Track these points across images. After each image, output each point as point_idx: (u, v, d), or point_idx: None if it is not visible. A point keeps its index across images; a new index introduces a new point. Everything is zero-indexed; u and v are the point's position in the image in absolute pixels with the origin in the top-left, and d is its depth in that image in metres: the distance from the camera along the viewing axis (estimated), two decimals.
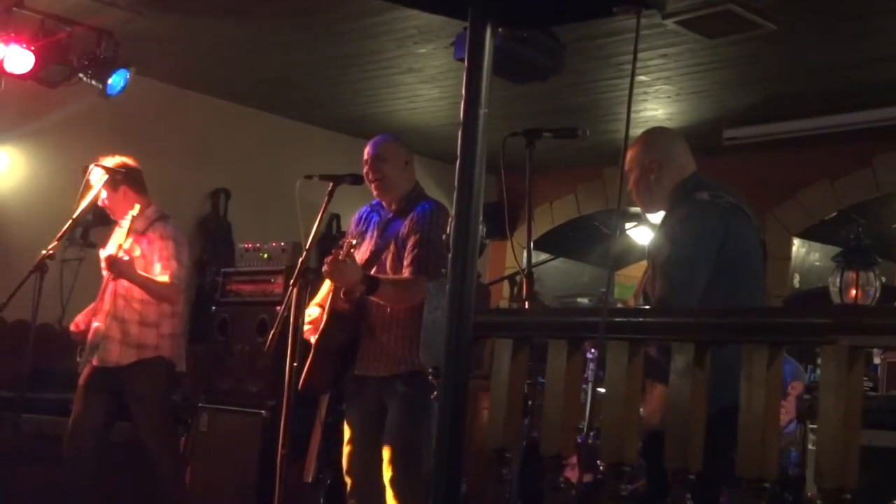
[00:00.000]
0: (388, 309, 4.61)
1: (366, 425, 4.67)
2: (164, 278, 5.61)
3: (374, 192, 4.82)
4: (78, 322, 5.84)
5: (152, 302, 5.66)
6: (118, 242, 5.52)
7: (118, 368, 5.61)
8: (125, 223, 5.53)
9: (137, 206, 5.57)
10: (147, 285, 5.60)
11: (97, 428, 5.65)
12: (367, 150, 4.81)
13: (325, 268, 4.47)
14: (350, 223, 5.02)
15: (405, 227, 4.65)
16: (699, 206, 3.78)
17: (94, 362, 5.65)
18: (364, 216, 4.93)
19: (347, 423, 4.78)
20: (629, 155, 4.04)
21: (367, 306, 4.64)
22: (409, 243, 4.59)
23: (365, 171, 4.79)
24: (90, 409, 5.64)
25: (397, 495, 4.47)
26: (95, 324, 5.66)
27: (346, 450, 4.74)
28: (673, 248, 3.68)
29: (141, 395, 5.65)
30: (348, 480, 4.72)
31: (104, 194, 5.76)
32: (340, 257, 4.40)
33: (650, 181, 3.96)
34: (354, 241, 4.59)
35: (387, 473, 4.49)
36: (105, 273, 5.65)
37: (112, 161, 5.79)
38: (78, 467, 5.59)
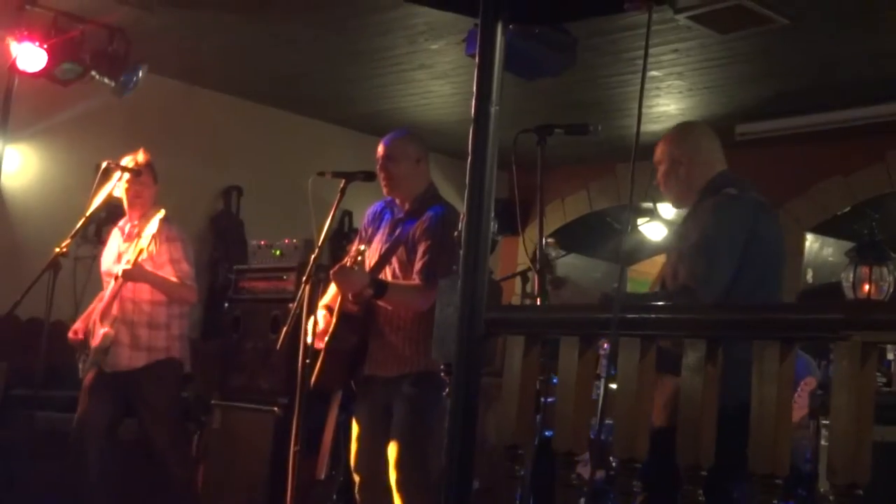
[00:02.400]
0: (397, 310, 4.62)
1: (373, 424, 4.68)
2: (177, 279, 5.64)
3: (384, 191, 4.81)
4: (76, 329, 5.82)
5: (162, 303, 5.67)
6: (133, 250, 5.50)
7: (128, 372, 5.61)
8: (147, 231, 5.49)
9: (163, 211, 5.57)
10: (162, 284, 5.63)
11: (103, 428, 5.64)
12: (379, 147, 4.81)
13: (332, 275, 4.51)
14: (364, 218, 5.03)
15: (416, 230, 4.64)
16: (728, 199, 3.78)
17: (104, 368, 5.63)
18: (377, 212, 4.92)
19: (356, 421, 4.80)
20: (660, 147, 4.04)
21: (375, 307, 4.64)
22: (420, 249, 4.58)
23: (377, 168, 4.79)
24: (95, 409, 5.63)
25: (403, 496, 4.47)
26: (102, 330, 5.62)
27: (353, 447, 4.75)
28: (699, 236, 3.67)
29: (151, 399, 5.65)
30: (356, 477, 4.74)
31: (143, 177, 5.74)
32: (348, 265, 4.43)
33: (679, 175, 3.95)
34: (363, 247, 4.58)
35: (392, 474, 4.49)
36: (109, 279, 5.66)
37: (135, 157, 5.77)
38: (84, 467, 5.59)
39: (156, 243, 5.55)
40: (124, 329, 5.62)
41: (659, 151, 4.04)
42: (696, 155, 3.96)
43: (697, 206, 3.85)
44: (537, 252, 4.29)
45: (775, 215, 3.95)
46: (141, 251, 5.46)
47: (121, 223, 5.89)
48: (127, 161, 5.77)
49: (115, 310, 5.64)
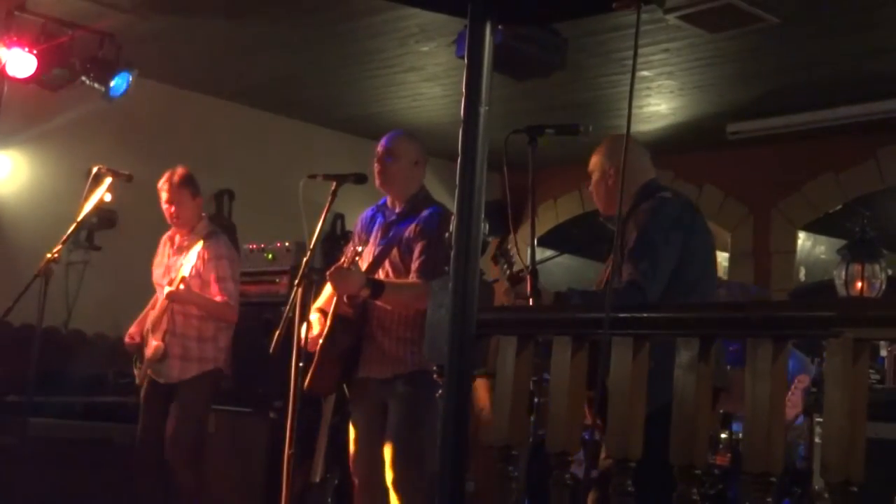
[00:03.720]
0: (389, 312, 4.61)
1: (369, 426, 4.68)
2: (221, 298, 5.71)
3: (377, 183, 4.80)
4: (132, 334, 5.92)
5: (210, 317, 5.75)
6: (181, 273, 5.55)
7: (179, 383, 5.72)
8: (193, 248, 5.56)
9: (202, 243, 5.61)
10: (206, 307, 5.73)
11: (161, 442, 5.73)
12: (380, 143, 4.81)
13: (328, 276, 4.51)
14: (356, 224, 5.02)
15: (410, 231, 4.63)
16: (664, 201, 3.98)
17: (155, 378, 5.75)
18: (369, 217, 4.92)
19: (352, 424, 4.79)
20: (593, 158, 4.27)
21: (368, 309, 4.64)
22: (417, 248, 4.58)
23: (374, 162, 4.78)
24: (155, 422, 5.73)
25: (400, 496, 4.46)
26: (154, 342, 5.72)
27: (351, 450, 4.75)
28: (641, 234, 3.82)
29: (189, 405, 5.71)
30: (355, 480, 4.73)
31: (179, 196, 5.78)
32: (344, 266, 4.42)
33: (608, 185, 4.15)
34: (360, 249, 4.58)
35: (389, 474, 4.49)
36: (160, 288, 5.77)
37: (170, 177, 5.80)
38: (147, 476, 5.71)
39: (203, 261, 5.64)
40: (176, 341, 5.72)
41: (592, 162, 4.26)
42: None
43: (635, 209, 3.99)
44: (529, 253, 4.30)
45: (703, 216, 4.15)
46: (183, 279, 5.54)
47: (170, 233, 5.91)
48: (163, 180, 5.79)
49: (165, 323, 5.73)
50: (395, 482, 4.49)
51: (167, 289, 5.62)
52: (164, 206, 5.83)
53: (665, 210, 3.91)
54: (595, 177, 4.21)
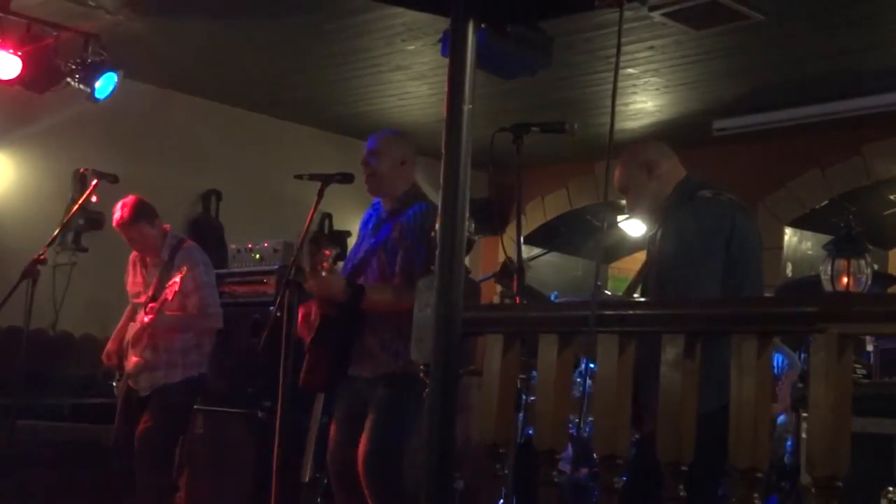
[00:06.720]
0: (378, 311, 4.58)
1: (349, 423, 4.63)
2: (202, 308, 5.71)
3: (366, 188, 4.78)
4: (110, 353, 5.89)
5: (195, 330, 5.78)
6: (159, 298, 5.53)
7: (162, 385, 5.71)
8: (167, 274, 5.54)
9: (178, 279, 5.52)
10: (189, 324, 5.72)
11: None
12: (365, 146, 4.79)
13: (306, 284, 4.48)
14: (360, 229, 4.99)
15: (396, 229, 4.61)
16: (704, 204, 3.75)
17: (137, 389, 5.72)
18: (367, 217, 4.89)
19: (334, 420, 4.76)
20: (619, 176, 3.99)
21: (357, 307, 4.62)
22: (401, 248, 4.56)
23: (361, 163, 4.76)
24: (132, 423, 5.69)
25: (372, 498, 4.43)
26: (134, 358, 5.70)
27: (330, 444, 4.72)
28: (680, 247, 3.65)
29: (166, 402, 5.70)
30: (330, 468, 4.69)
31: (137, 232, 5.71)
32: (324, 266, 4.39)
33: (649, 183, 3.90)
34: (333, 252, 4.52)
35: (362, 475, 4.44)
36: (136, 303, 5.76)
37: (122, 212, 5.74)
38: (125, 473, 5.66)
39: (179, 276, 5.53)
40: (159, 356, 5.70)
41: (619, 178, 4.00)
42: (658, 157, 3.94)
43: (673, 212, 3.79)
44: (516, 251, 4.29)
45: (750, 213, 3.92)
46: (165, 300, 5.49)
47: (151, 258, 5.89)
48: (116, 220, 5.73)
49: (146, 338, 5.70)
50: (367, 485, 4.44)
51: (147, 311, 5.59)
52: (127, 242, 5.79)
53: (705, 213, 3.71)
54: (632, 187, 3.95)
